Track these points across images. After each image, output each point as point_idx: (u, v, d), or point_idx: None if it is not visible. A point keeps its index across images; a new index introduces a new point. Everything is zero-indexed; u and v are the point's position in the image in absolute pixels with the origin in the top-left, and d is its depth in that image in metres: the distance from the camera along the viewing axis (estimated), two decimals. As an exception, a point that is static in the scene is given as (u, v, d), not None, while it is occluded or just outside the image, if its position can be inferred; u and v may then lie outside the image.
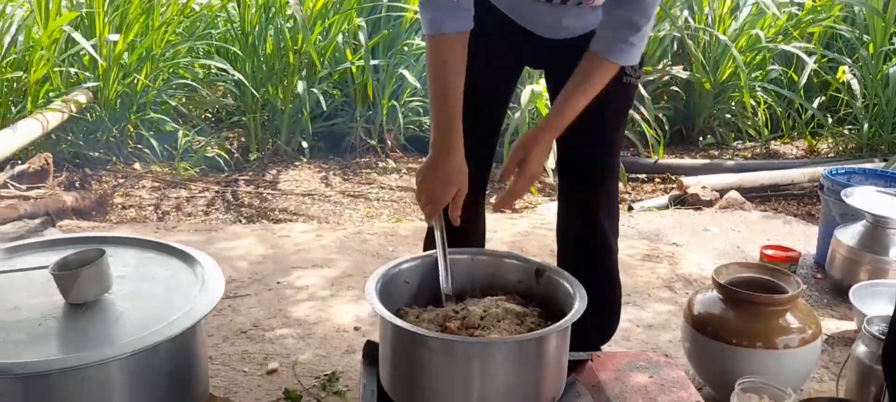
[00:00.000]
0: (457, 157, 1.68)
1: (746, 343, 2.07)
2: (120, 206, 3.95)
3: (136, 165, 4.43)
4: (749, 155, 5.07)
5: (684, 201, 4.08)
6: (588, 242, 2.03)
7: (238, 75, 4.53)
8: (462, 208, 1.71)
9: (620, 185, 4.39)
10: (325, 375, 2.23)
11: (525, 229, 3.44)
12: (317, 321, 2.53)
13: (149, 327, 1.47)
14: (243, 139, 4.76)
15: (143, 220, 3.78)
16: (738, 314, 2.10)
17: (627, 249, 3.22)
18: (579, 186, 2.02)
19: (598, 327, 2.08)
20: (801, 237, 3.46)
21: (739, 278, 2.20)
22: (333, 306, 2.65)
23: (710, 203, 4.04)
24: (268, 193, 4.18)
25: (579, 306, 1.54)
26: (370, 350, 1.85)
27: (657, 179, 4.61)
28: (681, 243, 3.34)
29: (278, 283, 2.81)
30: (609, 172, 2.02)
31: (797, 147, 5.25)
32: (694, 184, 4.16)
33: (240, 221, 3.79)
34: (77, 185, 3.57)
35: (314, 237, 3.28)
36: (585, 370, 1.87)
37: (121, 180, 4.22)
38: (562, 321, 1.49)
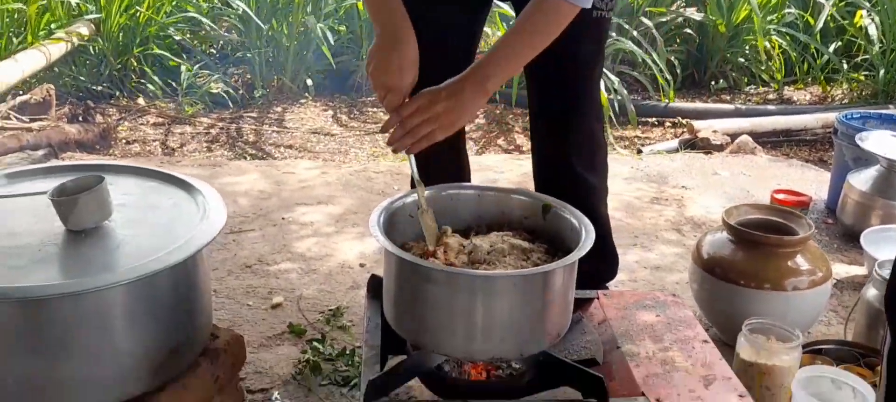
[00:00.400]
0: (410, 48, 1.54)
1: (755, 285, 2.05)
2: (124, 140, 3.92)
3: (140, 100, 4.38)
4: (761, 100, 4.98)
5: (694, 145, 4.03)
6: (563, 186, 1.99)
7: (243, 6, 4.44)
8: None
9: (630, 129, 4.34)
10: (330, 309, 2.22)
11: (529, 169, 3.39)
12: (321, 257, 2.52)
13: (150, 255, 1.44)
14: (248, 76, 4.70)
15: (148, 154, 3.75)
16: (748, 256, 2.07)
17: (635, 191, 3.18)
18: (550, 132, 1.96)
19: (591, 269, 2.05)
20: (813, 183, 3.41)
21: (750, 220, 2.17)
22: (338, 242, 2.63)
23: (720, 147, 3.99)
24: (273, 131, 4.14)
25: (586, 240, 1.51)
26: (374, 284, 1.82)
27: (668, 123, 4.55)
28: (690, 186, 3.30)
29: (283, 219, 2.79)
30: (583, 116, 1.93)
31: (811, 93, 5.17)
32: (705, 128, 4.10)
33: (244, 157, 3.75)
34: (80, 118, 3.53)
35: (319, 174, 3.24)
36: (592, 307, 1.85)
37: (124, 115, 4.18)
38: (568, 257, 1.46)
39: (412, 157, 1.58)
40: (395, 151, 1.57)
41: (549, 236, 1.67)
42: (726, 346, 2.07)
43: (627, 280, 2.43)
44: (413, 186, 2.13)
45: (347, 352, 1.99)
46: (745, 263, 2.07)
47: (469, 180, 2.10)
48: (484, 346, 1.44)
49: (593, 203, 1.98)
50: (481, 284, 1.43)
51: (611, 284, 2.18)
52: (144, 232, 1.54)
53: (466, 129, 2.05)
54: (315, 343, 2.04)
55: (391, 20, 1.56)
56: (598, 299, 1.88)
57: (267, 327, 2.13)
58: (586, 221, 1.57)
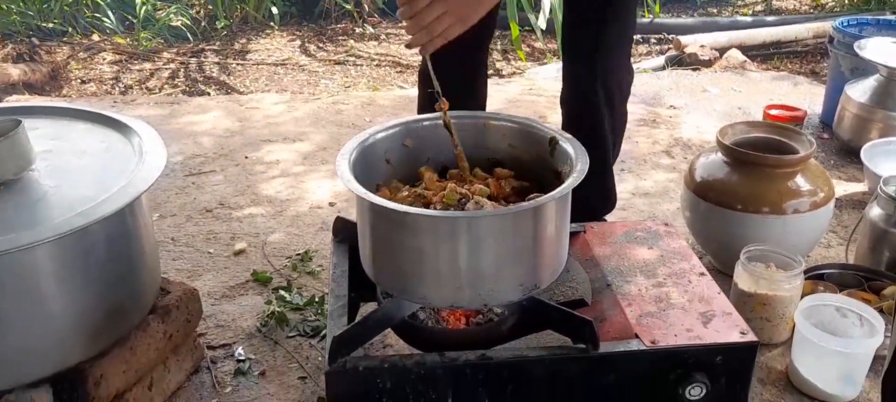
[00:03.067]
0: None
1: (752, 209, 1.90)
2: (78, 80, 3.68)
3: (95, 37, 4.13)
4: (749, 12, 4.78)
5: (682, 61, 3.85)
6: (580, 111, 1.84)
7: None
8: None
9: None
10: (298, 254, 2.06)
11: (515, 94, 3.22)
12: (288, 199, 2.35)
13: (78, 207, 1.27)
14: (210, 7, 4.43)
15: (104, 94, 3.52)
16: (744, 178, 1.92)
17: (622, 112, 3.01)
18: (575, 54, 1.80)
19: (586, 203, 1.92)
20: (807, 96, 3.26)
21: (746, 139, 2.01)
22: (306, 181, 2.45)
23: (708, 63, 3.81)
24: (237, 64, 3.91)
25: (581, 168, 1.35)
26: (341, 227, 1.67)
27: (653, 40, 4.35)
28: (679, 105, 3.14)
29: (246, 158, 2.61)
30: (610, 45, 1.79)
31: (800, 2, 4.97)
32: (692, 43, 3.91)
33: (208, 93, 3.54)
34: (26, 57, 3.29)
35: (286, 109, 3.05)
36: (579, 242, 1.70)
37: (77, 53, 3.93)
38: (559, 189, 1.30)
39: (429, 64, 1.41)
40: (410, 48, 1.41)
41: (555, 170, 1.51)
42: (723, 275, 1.94)
43: (618, 211, 2.28)
44: (422, 106, 1.94)
45: (317, 300, 1.84)
46: (741, 185, 1.92)
47: (484, 106, 1.95)
48: (472, 294, 1.29)
49: (606, 130, 1.85)
50: (463, 225, 1.27)
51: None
52: (72, 181, 1.36)
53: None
54: (281, 291, 1.89)
55: None
56: (584, 232, 1.73)
57: (229, 275, 1.98)
58: (582, 150, 1.41)
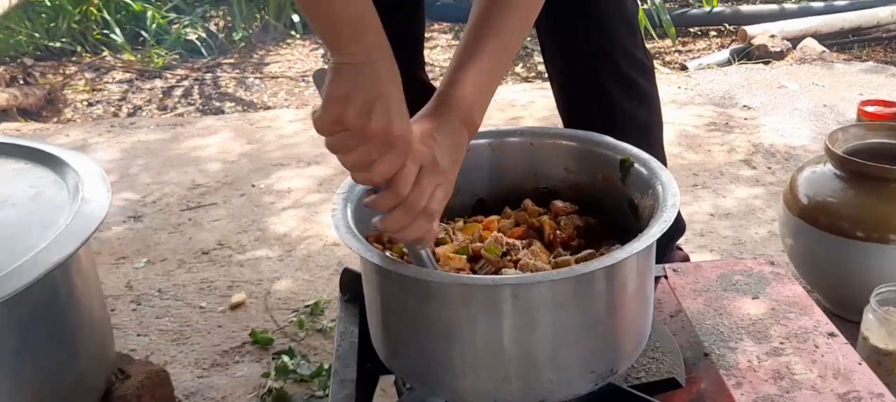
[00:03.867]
0: (392, 89, 0.84)
1: (878, 237, 1.49)
2: (84, 102, 3.39)
3: (105, 55, 3.85)
4: (819, -3, 4.30)
5: (749, 54, 3.40)
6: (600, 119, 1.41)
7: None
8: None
9: (667, 42, 3.71)
10: (306, 306, 1.70)
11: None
12: (300, 236, 1.99)
13: (-21, 282, 0.92)
14: (228, 18, 4.13)
15: (111, 116, 3.22)
16: (866, 196, 1.51)
17: (690, 118, 2.59)
18: (572, 66, 1.40)
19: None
20: (903, 89, 2.80)
21: (864, 146, 1.60)
22: (321, 213, 2.09)
23: (780, 55, 3.36)
24: (255, 78, 3.59)
25: (671, 201, 0.97)
26: (351, 281, 1.30)
27: (712, 32, 3.91)
28: (754, 105, 2.70)
29: (253, 186, 2.26)
30: (611, 33, 1.37)
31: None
32: (759, 33, 3.46)
33: (222, 111, 3.21)
34: (21, 80, 3.01)
35: (303, 127, 2.70)
36: (659, 292, 1.30)
37: (86, 73, 3.65)
38: (644, 236, 0.91)
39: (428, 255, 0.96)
40: (398, 242, 0.98)
41: (616, 204, 1.12)
42: (839, 320, 1.52)
43: (695, 236, 1.87)
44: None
45: (326, 369, 1.47)
46: (862, 206, 1.50)
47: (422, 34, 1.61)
48: (523, 387, 0.92)
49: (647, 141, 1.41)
50: (509, 295, 0.89)
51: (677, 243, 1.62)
52: (-23, 245, 1.01)
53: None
54: (284, 358, 1.53)
55: (370, 32, 0.84)
56: (665, 278, 1.33)
57: (222, 336, 1.62)
58: (666, 174, 1.03)
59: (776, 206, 2.04)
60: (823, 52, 3.33)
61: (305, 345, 1.59)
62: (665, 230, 0.93)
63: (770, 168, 2.24)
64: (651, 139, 1.43)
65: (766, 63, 3.27)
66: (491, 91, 1.01)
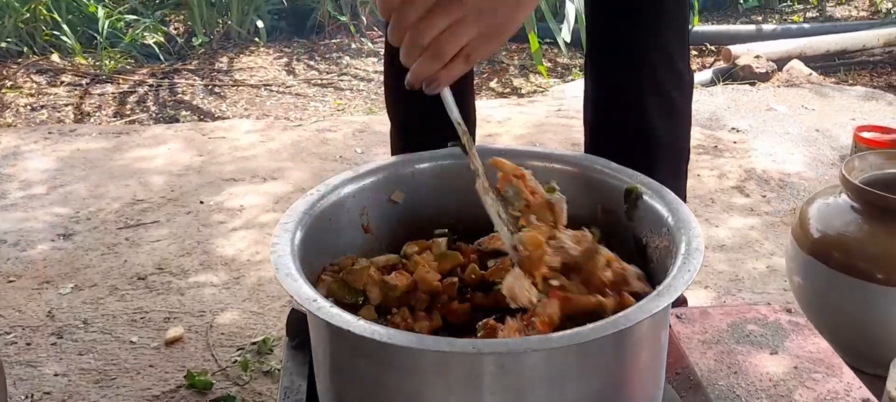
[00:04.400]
0: None
1: (901, 279, 1.32)
2: (28, 107, 3.14)
3: (54, 57, 3.59)
4: (800, 19, 4.20)
5: (733, 75, 3.27)
6: (627, 141, 1.22)
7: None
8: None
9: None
10: (253, 343, 1.49)
11: (540, 118, 2.64)
12: (249, 260, 1.78)
13: None
14: (188, 23, 3.90)
15: (57, 122, 2.98)
16: (888, 234, 1.34)
17: (676, 138, 2.43)
18: (609, 54, 1.20)
19: None
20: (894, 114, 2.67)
21: (884, 177, 1.44)
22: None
23: (765, 76, 3.23)
24: (214, 86, 3.36)
25: (694, 244, 0.79)
26: (299, 323, 1.10)
27: (693, 52, 3.77)
28: (742, 128, 2.56)
29: (201, 203, 2.04)
30: (662, 32, 1.17)
31: (856, 8, 4.39)
32: (744, 53, 3.33)
33: (177, 119, 2.98)
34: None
35: (260, 139, 2.49)
36: (662, 344, 1.12)
37: (32, 75, 3.40)
38: (660, 291, 0.73)
39: (448, 93, 0.84)
40: (414, 88, 0.82)
41: (635, 238, 0.94)
42: (854, 371, 1.35)
43: (688, 271, 1.69)
44: (396, 147, 1.40)
45: (271, 423, 1.26)
46: (884, 245, 1.34)
47: (474, 132, 1.36)
48: None
49: (671, 170, 1.22)
50: (498, 367, 0.70)
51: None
52: None
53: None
54: (224, 405, 1.31)
55: None
56: (669, 328, 1.14)
57: (154, 378, 1.40)
58: (684, 211, 0.85)
59: (773, 238, 1.88)
60: (810, 74, 3.21)
61: (249, 391, 1.38)
62: (689, 284, 0.74)
63: (765, 196, 2.08)
64: (675, 167, 1.23)
65: (752, 84, 3.14)
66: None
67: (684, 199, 1.22)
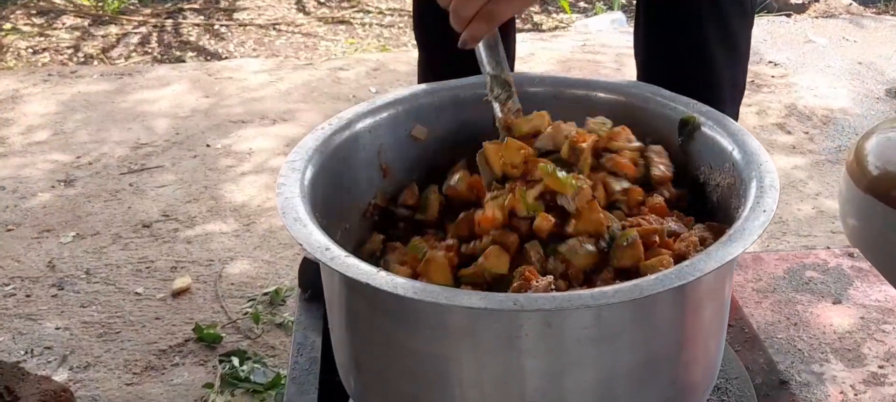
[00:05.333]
0: None
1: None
2: (29, 49, 3.03)
3: (56, -2, 3.47)
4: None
5: (768, 6, 3.09)
6: (684, 70, 1.09)
7: None
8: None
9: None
10: (265, 294, 1.40)
11: (565, 54, 2.51)
12: (261, 208, 1.68)
13: None
14: (194, -41, 3.75)
15: (60, 64, 2.87)
16: (956, 170, 1.22)
17: (710, 72, 2.29)
18: None
19: None
20: (943, 46, 2.51)
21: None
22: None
23: (801, 7, 3.05)
24: (221, 26, 3.23)
25: (767, 180, 0.68)
26: (313, 275, 1.01)
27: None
28: (781, 61, 2.41)
29: (208, 147, 1.94)
30: None
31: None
32: (779, -17, 3.15)
33: (183, 60, 2.86)
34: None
35: (269, 79, 2.37)
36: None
37: (33, 16, 3.28)
38: (738, 235, 0.63)
39: (481, 47, 0.80)
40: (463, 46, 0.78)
41: (692, 177, 0.82)
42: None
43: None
44: (423, 78, 1.29)
45: (284, 380, 1.17)
46: (951, 183, 1.22)
47: (514, 61, 1.24)
48: None
49: (730, 107, 1.10)
50: (544, 325, 0.59)
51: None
52: None
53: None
54: (234, 360, 1.23)
55: None
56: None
57: (161, 331, 1.32)
58: (752, 143, 0.74)
59: (819, 178, 1.76)
60: (850, 4, 3.03)
61: (261, 344, 1.29)
62: (765, 227, 0.63)
63: (808, 133, 1.95)
64: (733, 104, 1.11)
65: (788, 15, 2.97)
66: None
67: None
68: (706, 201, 0.79)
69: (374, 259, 0.80)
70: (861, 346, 0.91)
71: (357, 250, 0.81)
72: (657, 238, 0.68)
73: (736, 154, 0.74)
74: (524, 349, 0.60)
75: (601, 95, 0.86)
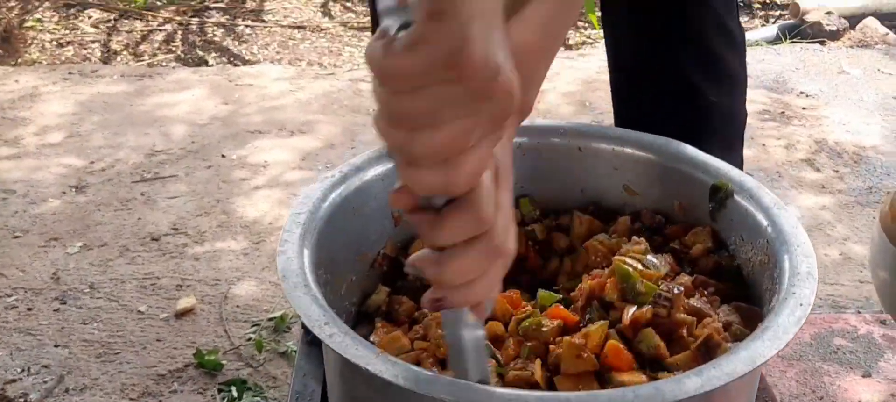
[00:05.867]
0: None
1: None
2: (54, 42, 3.03)
3: (82, -9, 3.47)
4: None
5: (801, 32, 3.01)
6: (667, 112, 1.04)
7: None
8: None
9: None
10: (270, 319, 1.37)
11: (591, 73, 2.45)
12: (273, 225, 1.64)
13: None
14: (222, -43, 3.73)
15: (83, 61, 2.86)
16: None
17: (739, 102, 2.22)
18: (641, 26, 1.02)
19: None
20: (985, 83, 2.42)
21: None
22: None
23: (836, 35, 2.97)
24: (245, 27, 3.21)
25: (805, 268, 0.63)
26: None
27: (755, 4, 3.51)
28: (812, 92, 2.33)
29: (223, 157, 1.91)
30: None
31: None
32: (814, 8, 3.07)
33: (205, 62, 2.84)
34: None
35: (289, 88, 2.34)
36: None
37: (58, 9, 3.28)
38: (773, 333, 0.57)
39: None
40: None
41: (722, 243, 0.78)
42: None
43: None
44: None
45: (284, 414, 1.14)
46: None
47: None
48: None
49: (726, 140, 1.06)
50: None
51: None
52: None
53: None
54: (233, 390, 1.20)
55: None
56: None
57: (162, 353, 1.29)
58: (783, 214, 0.69)
59: (848, 220, 1.70)
60: (887, 34, 2.94)
61: (262, 374, 1.26)
62: (802, 323, 0.58)
63: (837, 172, 1.88)
64: (731, 138, 1.07)
65: (822, 43, 2.89)
66: (552, 50, 0.66)
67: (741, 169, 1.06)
68: (735, 273, 0.74)
69: (380, 313, 0.76)
70: (892, 428, 0.85)
71: (362, 303, 0.78)
72: (685, 331, 0.63)
73: (770, 231, 0.69)
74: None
75: (630, 150, 0.82)
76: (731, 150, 1.09)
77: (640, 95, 1.04)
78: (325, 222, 0.74)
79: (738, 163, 1.09)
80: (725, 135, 1.06)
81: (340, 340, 0.57)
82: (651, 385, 0.53)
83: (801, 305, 0.59)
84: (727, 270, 0.72)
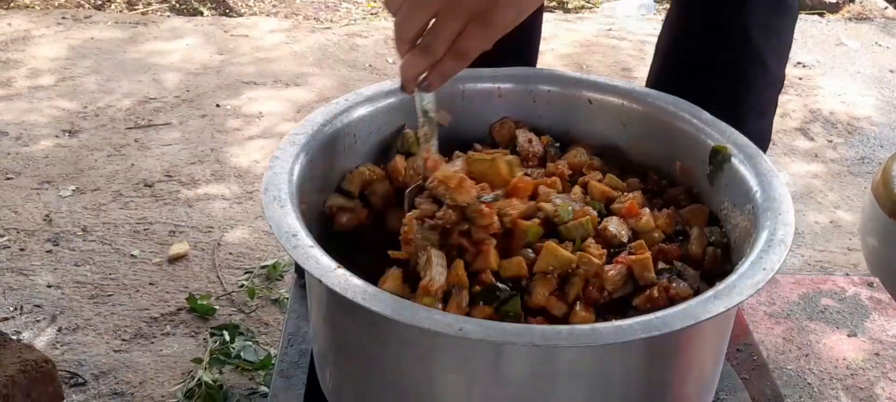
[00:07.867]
0: None
1: None
2: (46, -12, 2.98)
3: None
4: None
5: (800, 3, 3.00)
6: (720, 76, 1.04)
7: None
8: None
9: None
10: (263, 267, 1.37)
11: (588, 36, 2.44)
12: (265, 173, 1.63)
13: None
14: None
15: (75, 7, 2.82)
16: None
17: (736, 69, 2.22)
18: None
19: None
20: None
21: None
22: (295, 145, 1.74)
23: (835, 7, 2.96)
24: (241, -22, 3.17)
25: (779, 235, 0.64)
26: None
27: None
28: (809, 63, 2.34)
29: (217, 107, 1.90)
30: None
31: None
32: (814, -20, 3.06)
33: (200, 12, 2.81)
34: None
35: (284, 40, 2.32)
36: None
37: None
38: (731, 288, 0.59)
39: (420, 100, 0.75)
40: (406, 91, 0.74)
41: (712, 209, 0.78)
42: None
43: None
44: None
45: (274, 359, 1.15)
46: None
47: (535, 58, 1.18)
48: None
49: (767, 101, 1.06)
50: (548, 361, 0.57)
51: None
52: None
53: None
54: (225, 335, 1.20)
55: None
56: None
57: (154, 298, 1.30)
58: (774, 181, 0.69)
59: (838, 189, 1.71)
60: (886, 8, 2.93)
61: (255, 320, 1.26)
62: (760, 287, 0.59)
63: (831, 141, 1.89)
64: (771, 100, 1.06)
65: (821, 15, 2.88)
66: None
67: (770, 135, 1.06)
68: (724, 236, 0.74)
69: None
70: (874, 385, 0.87)
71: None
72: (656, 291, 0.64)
73: (758, 196, 0.70)
74: (472, 373, 0.57)
75: (636, 106, 0.82)
76: (767, 113, 1.09)
77: (697, 50, 1.03)
78: (303, 168, 0.74)
79: (768, 126, 1.10)
80: (768, 97, 1.06)
81: (304, 251, 0.58)
82: (589, 327, 0.55)
83: (763, 269, 0.60)
84: (717, 247, 0.73)
